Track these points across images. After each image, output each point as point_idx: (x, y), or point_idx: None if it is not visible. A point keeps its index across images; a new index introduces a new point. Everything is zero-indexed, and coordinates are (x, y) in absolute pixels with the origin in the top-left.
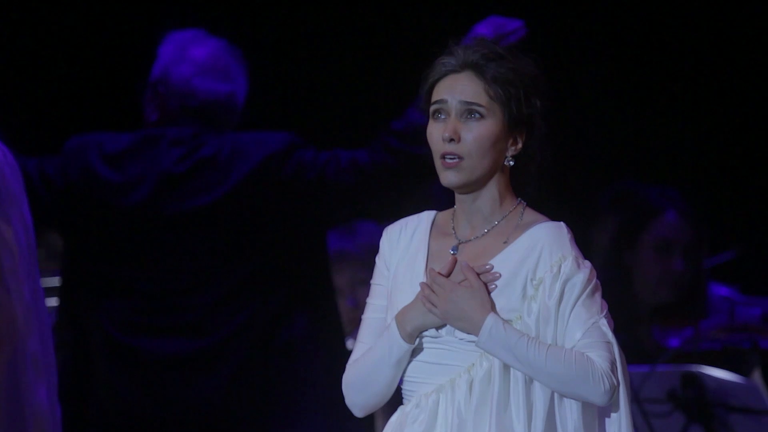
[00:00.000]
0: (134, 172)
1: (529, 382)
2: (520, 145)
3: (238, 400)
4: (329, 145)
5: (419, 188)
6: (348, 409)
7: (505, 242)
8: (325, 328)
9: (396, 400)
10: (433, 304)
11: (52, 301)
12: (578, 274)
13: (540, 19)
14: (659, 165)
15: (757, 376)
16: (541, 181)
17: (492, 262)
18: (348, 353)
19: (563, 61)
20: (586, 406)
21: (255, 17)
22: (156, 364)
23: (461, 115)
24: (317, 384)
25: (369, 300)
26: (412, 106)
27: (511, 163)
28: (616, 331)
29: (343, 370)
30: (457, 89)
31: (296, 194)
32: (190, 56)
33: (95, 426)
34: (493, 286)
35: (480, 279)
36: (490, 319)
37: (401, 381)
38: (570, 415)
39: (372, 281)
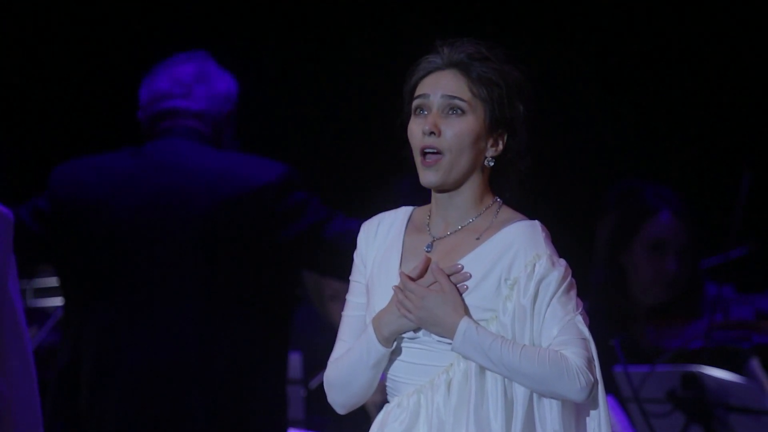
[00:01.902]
0: (121, 184)
1: (507, 381)
2: (500, 147)
3: (217, 421)
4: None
5: (388, 187)
6: None
7: (477, 239)
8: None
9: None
10: (407, 310)
11: (57, 301)
12: (553, 272)
13: (542, 19)
14: (661, 165)
15: (756, 364)
16: (523, 186)
17: (464, 260)
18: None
19: (564, 61)
20: (565, 404)
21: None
22: (139, 375)
23: (443, 110)
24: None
25: (348, 297)
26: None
27: (491, 163)
28: (613, 332)
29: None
30: (440, 85)
31: (284, 232)
32: (160, 78)
33: None
34: (465, 286)
35: (451, 281)
36: (463, 323)
37: (384, 377)
38: (549, 413)
39: (351, 277)
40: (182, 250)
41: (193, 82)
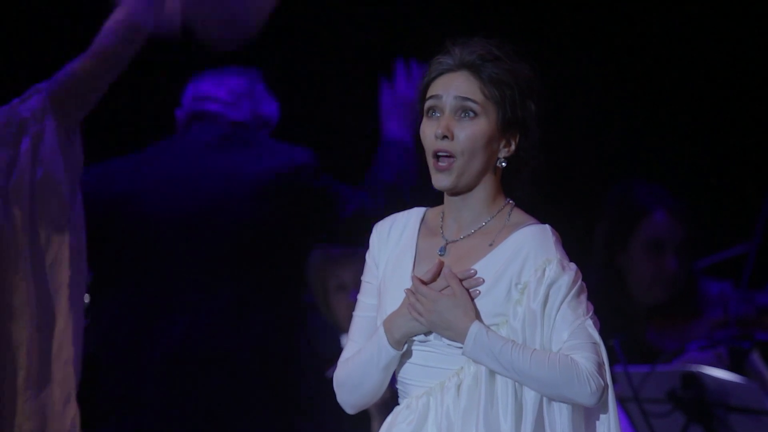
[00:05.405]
0: (153, 183)
1: (518, 385)
2: (513, 148)
3: (240, 402)
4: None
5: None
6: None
7: (490, 245)
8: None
9: (393, 402)
10: (419, 313)
11: None
12: (563, 276)
13: (541, 20)
14: (662, 165)
15: (756, 358)
16: (534, 184)
17: (477, 265)
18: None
19: (563, 62)
20: (575, 408)
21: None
22: (161, 360)
23: (455, 113)
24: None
25: (359, 297)
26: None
27: (504, 164)
28: (613, 333)
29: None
30: (452, 86)
31: (312, 210)
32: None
33: (106, 422)
34: (477, 291)
35: (463, 285)
36: (474, 327)
37: (395, 380)
38: (559, 417)
39: (362, 278)
40: (214, 243)
41: (242, 94)
